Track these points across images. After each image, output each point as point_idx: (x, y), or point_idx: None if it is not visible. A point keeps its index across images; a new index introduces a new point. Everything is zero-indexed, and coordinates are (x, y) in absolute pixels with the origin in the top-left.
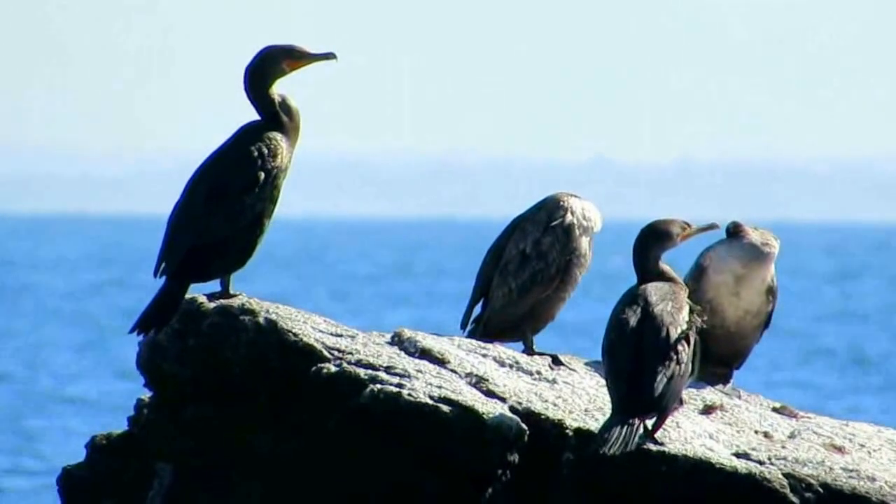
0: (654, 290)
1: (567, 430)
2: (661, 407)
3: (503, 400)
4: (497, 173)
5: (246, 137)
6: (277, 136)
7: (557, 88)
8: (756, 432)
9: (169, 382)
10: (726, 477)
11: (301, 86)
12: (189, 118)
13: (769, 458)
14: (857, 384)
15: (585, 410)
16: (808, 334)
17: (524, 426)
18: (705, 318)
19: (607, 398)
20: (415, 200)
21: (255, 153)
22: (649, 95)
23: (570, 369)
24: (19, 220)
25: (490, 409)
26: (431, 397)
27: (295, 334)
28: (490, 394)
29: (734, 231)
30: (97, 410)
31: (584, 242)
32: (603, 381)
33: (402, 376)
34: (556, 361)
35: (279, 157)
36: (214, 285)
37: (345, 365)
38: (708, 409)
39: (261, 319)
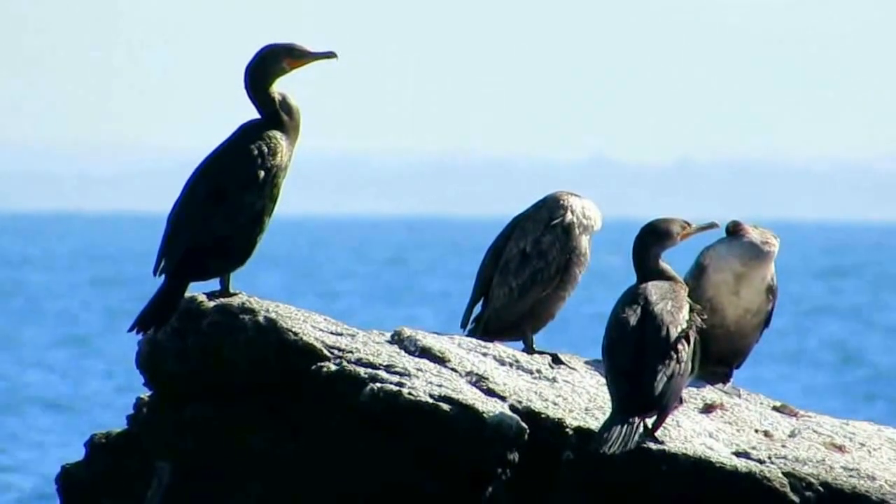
0: (654, 288)
1: (567, 429)
2: (662, 405)
3: (503, 399)
4: (497, 172)
5: (246, 136)
6: (277, 134)
7: (558, 87)
8: (756, 431)
9: (168, 381)
10: (726, 476)
11: (301, 84)
12: (189, 117)
13: (769, 457)
14: (831, 380)
15: (586, 409)
16: (787, 332)
17: (524, 425)
18: (705, 316)
19: (608, 397)
20: (414, 199)
21: (256, 152)
22: (650, 95)
23: (571, 368)
24: (16, 219)
25: (490, 407)
26: (431, 396)
27: (295, 333)
28: (490, 392)
29: (734, 230)
30: (73, 413)
31: (584, 241)
32: (603, 380)
33: (402, 375)
34: (556, 360)
35: (279, 155)
36: (214, 284)
37: (345, 364)
38: (708, 408)
39: (260, 318)
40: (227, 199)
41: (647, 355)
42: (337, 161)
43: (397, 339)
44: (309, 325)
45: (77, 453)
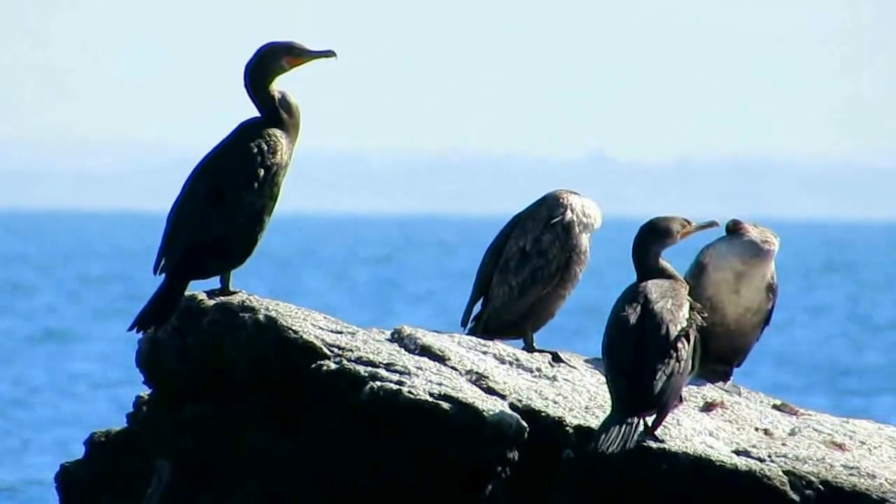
0: (654, 287)
1: (567, 428)
2: (661, 404)
3: (503, 397)
4: (495, 171)
5: (246, 134)
6: (277, 132)
7: (557, 86)
8: (756, 429)
9: (168, 380)
10: (727, 474)
11: (300, 83)
12: (189, 114)
13: (769, 456)
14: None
15: (586, 408)
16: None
17: (524, 423)
18: (705, 315)
19: (608, 395)
20: (411, 198)
21: (255, 150)
22: (648, 94)
23: (571, 366)
24: (17, 217)
25: (490, 406)
26: (431, 394)
27: (295, 331)
28: (490, 391)
29: (734, 228)
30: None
31: (584, 240)
32: (603, 379)
33: (402, 373)
34: (556, 358)
35: (279, 153)
36: (214, 282)
37: (345, 362)
38: (708, 407)
39: (260, 316)
40: (227, 197)
41: (646, 354)
42: (334, 159)
43: (397, 338)
44: (309, 323)
45: (77, 451)
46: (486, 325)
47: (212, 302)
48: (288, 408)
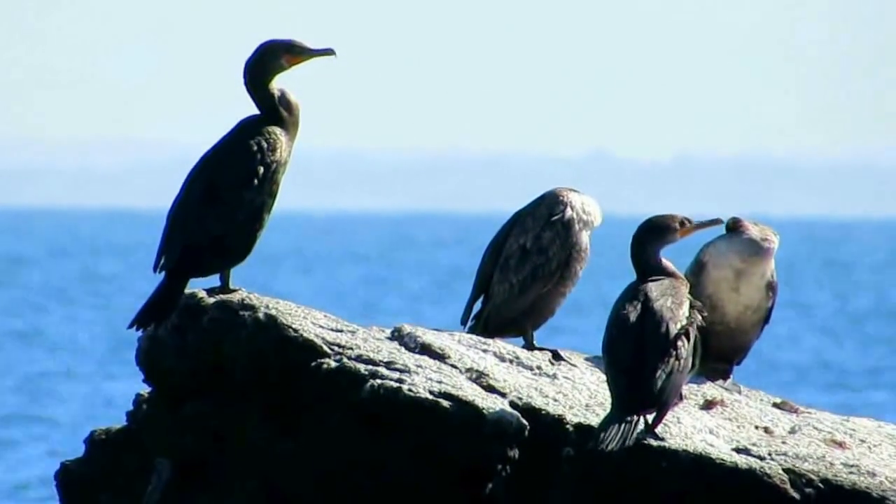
0: (654, 285)
1: (567, 426)
2: (661, 402)
3: (503, 395)
4: (494, 168)
5: (245, 132)
6: (277, 130)
7: (556, 84)
8: (756, 427)
9: (168, 377)
10: (727, 472)
11: (299, 81)
12: (189, 112)
13: (770, 454)
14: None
15: (586, 406)
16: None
17: (524, 421)
18: (705, 313)
19: (608, 393)
20: (410, 196)
21: (255, 147)
22: (648, 91)
23: (571, 364)
24: (17, 215)
25: (490, 404)
26: (432, 392)
27: (295, 330)
28: (490, 389)
29: (734, 226)
30: None
31: (584, 237)
32: (603, 377)
33: (402, 371)
34: (556, 356)
35: (278, 151)
36: (214, 280)
37: (345, 360)
38: (708, 405)
39: (260, 315)
40: (227, 195)
41: (646, 352)
42: (333, 157)
43: (397, 336)
44: (309, 321)
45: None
46: (487, 323)
47: (212, 300)
48: (288, 406)
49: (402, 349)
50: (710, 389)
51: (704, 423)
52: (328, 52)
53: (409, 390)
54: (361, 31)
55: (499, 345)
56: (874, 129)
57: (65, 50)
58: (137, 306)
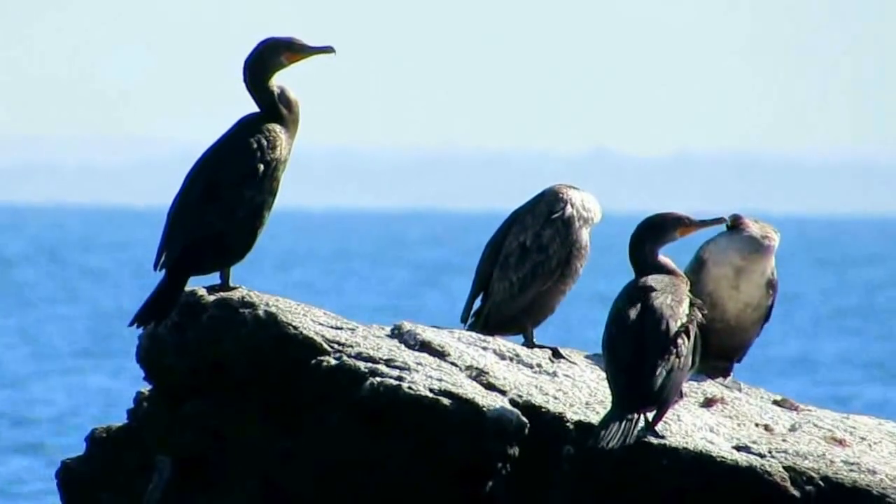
0: (654, 282)
1: (567, 424)
2: (661, 400)
3: (503, 393)
4: (495, 166)
5: (245, 129)
6: (276, 127)
7: (556, 81)
8: (757, 425)
9: (168, 375)
10: (727, 470)
11: (298, 79)
12: (189, 110)
13: (770, 451)
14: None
15: (586, 403)
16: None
17: (524, 419)
18: (705, 311)
19: (608, 391)
20: (411, 194)
21: (255, 145)
22: (649, 89)
23: (571, 362)
24: (10, 212)
25: (490, 402)
26: (431, 390)
27: (295, 327)
28: (490, 387)
29: (734, 224)
30: None
31: (584, 234)
32: (604, 374)
33: (402, 369)
34: (556, 354)
35: (278, 148)
36: (214, 278)
37: (345, 358)
38: (708, 402)
39: (260, 312)
40: (227, 193)
41: (646, 350)
42: (332, 155)
43: (397, 334)
44: (309, 319)
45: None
46: (487, 321)
47: (212, 297)
48: (288, 404)
49: (402, 347)
50: (711, 387)
51: (705, 420)
52: (327, 49)
53: (409, 388)
54: (360, 28)
55: (499, 342)
56: (875, 128)
57: (65, 48)
58: (124, 302)
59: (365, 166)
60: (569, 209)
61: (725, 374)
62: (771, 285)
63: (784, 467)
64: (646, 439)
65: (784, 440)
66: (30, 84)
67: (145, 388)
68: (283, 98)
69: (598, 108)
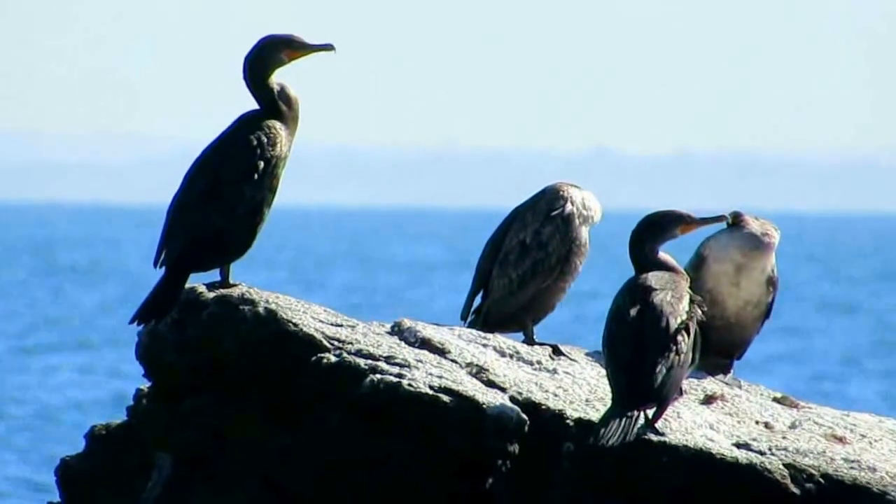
0: (654, 279)
1: (567, 421)
2: (661, 397)
3: (503, 390)
4: (495, 165)
5: (245, 127)
6: (276, 125)
7: (556, 80)
8: (757, 422)
9: (168, 372)
10: (727, 467)
11: (299, 76)
12: (190, 108)
13: (770, 449)
14: None
15: (586, 401)
16: None
17: (524, 416)
18: (705, 308)
19: (608, 388)
20: (412, 192)
21: (255, 142)
22: (649, 87)
23: (571, 359)
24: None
25: (490, 399)
26: (431, 387)
27: (295, 324)
28: (490, 384)
29: (735, 221)
30: None
31: (584, 232)
32: (604, 371)
33: (402, 366)
34: (556, 351)
35: (278, 145)
36: (214, 275)
37: (345, 355)
38: (709, 400)
39: (260, 309)
40: (227, 190)
41: (646, 347)
42: (332, 153)
43: (397, 331)
44: (309, 316)
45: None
46: (487, 318)
47: (212, 294)
48: (288, 401)
49: (402, 344)
50: (711, 384)
51: (705, 418)
52: (327, 47)
53: (409, 385)
54: (361, 27)
55: (499, 339)
56: (879, 125)
57: (68, 46)
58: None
59: (363, 164)
60: (569, 207)
61: (725, 371)
62: (771, 282)
63: (784, 465)
64: (646, 436)
65: (784, 437)
66: (30, 82)
67: (145, 385)
68: (283, 95)
69: (599, 107)
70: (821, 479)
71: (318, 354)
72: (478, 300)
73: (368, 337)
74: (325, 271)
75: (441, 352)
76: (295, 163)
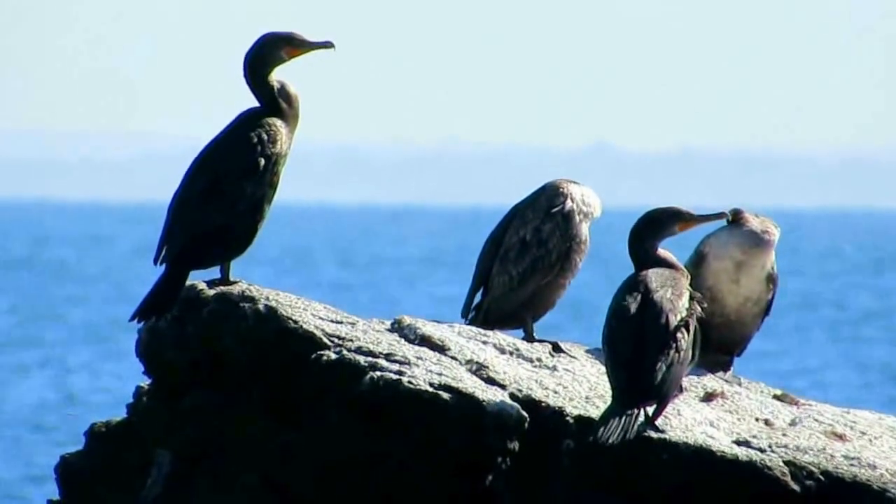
0: (654, 276)
1: (567, 418)
2: (661, 394)
3: (503, 387)
4: (495, 162)
5: (245, 124)
6: (277, 122)
7: (556, 76)
8: (757, 420)
9: (168, 369)
10: (727, 464)
11: (299, 74)
12: (191, 105)
13: (770, 446)
14: None
15: (586, 398)
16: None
17: (524, 413)
18: (705, 305)
19: (608, 386)
20: (412, 189)
21: (255, 139)
22: (651, 82)
23: (571, 356)
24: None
25: (490, 396)
26: (431, 384)
27: (295, 321)
28: (490, 381)
29: (735, 218)
30: None
31: (584, 229)
32: (604, 369)
33: (402, 363)
34: (556, 348)
35: (279, 143)
36: (214, 272)
37: (345, 352)
38: (709, 397)
39: (260, 306)
40: (227, 187)
41: (646, 344)
42: (331, 150)
43: (397, 328)
44: (309, 313)
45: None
46: (486, 315)
47: (212, 292)
48: (287, 398)
49: (402, 341)
50: (711, 381)
51: (705, 415)
52: (327, 44)
53: (409, 382)
54: (361, 24)
55: (499, 336)
56: (879, 122)
57: (68, 45)
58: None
59: (363, 162)
60: (569, 203)
61: (725, 368)
62: (771, 280)
63: (784, 462)
64: (646, 434)
65: (784, 435)
66: (32, 82)
67: (145, 382)
68: (283, 93)
69: (599, 103)
70: (821, 477)
71: (318, 352)
72: (478, 297)
73: (368, 334)
74: (315, 268)
75: (441, 349)
76: (295, 160)
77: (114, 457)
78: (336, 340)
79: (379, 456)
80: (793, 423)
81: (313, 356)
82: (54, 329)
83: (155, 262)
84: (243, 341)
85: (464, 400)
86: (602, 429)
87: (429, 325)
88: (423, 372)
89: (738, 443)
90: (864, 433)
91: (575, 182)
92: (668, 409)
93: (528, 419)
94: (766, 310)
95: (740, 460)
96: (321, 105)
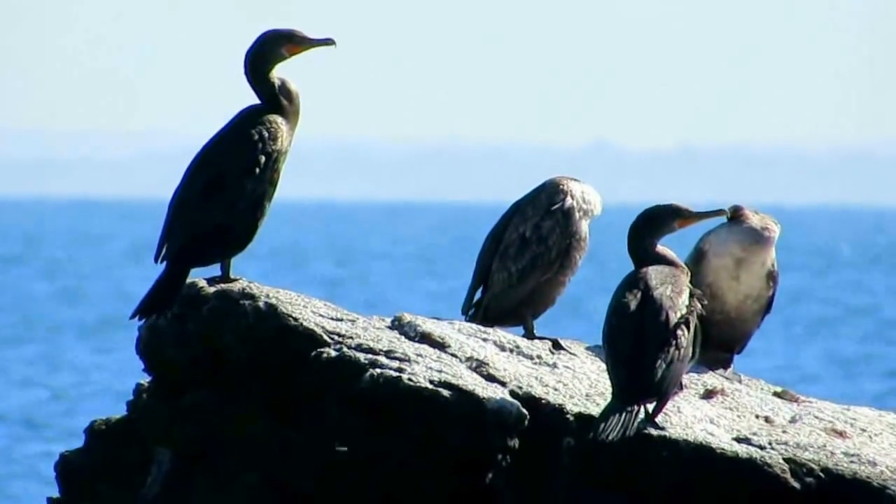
0: (654, 273)
1: (568, 415)
2: (661, 391)
3: (503, 384)
4: (495, 159)
5: (246, 121)
6: (277, 119)
7: (556, 74)
8: (757, 417)
9: (168, 367)
10: (727, 461)
11: (299, 71)
12: (191, 103)
13: (770, 443)
14: None
15: (586, 395)
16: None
17: (524, 411)
18: (705, 302)
19: (608, 383)
20: (412, 187)
21: (256, 137)
22: (650, 81)
23: (571, 354)
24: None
25: (490, 393)
26: (431, 382)
27: (295, 318)
28: (490, 378)
29: (734, 215)
30: None
31: (584, 226)
32: (604, 366)
33: (402, 361)
34: (556, 346)
35: (279, 140)
36: (215, 269)
37: (345, 349)
38: (709, 394)
39: (261, 304)
40: (228, 184)
41: (646, 341)
42: (332, 148)
43: (397, 325)
44: (309, 310)
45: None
46: (486, 312)
47: (212, 289)
48: (288, 395)
49: (402, 338)
50: (711, 379)
51: (705, 412)
52: (328, 42)
53: (409, 380)
54: (362, 22)
55: (499, 334)
56: (879, 119)
57: (68, 45)
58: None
59: (364, 159)
60: (569, 200)
61: (726, 365)
62: (771, 277)
63: (784, 459)
64: (646, 431)
65: (784, 432)
66: (32, 82)
67: (145, 379)
68: (284, 90)
69: (599, 101)
70: (821, 474)
71: (319, 349)
72: (478, 294)
73: (368, 331)
74: (311, 265)
75: (441, 346)
76: (295, 157)
77: (114, 454)
78: (336, 338)
79: (379, 453)
80: (793, 421)
81: (313, 353)
82: (49, 326)
83: (155, 259)
84: (243, 339)
85: (464, 397)
86: (602, 426)
87: (429, 323)
88: (423, 369)
89: (738, 440)
90: (864, 430)
91: (575, 179)
92: (669, 406)
93: (528, 416)
94: (767, 307)
95: (740, 457)
96: (322, 102)
